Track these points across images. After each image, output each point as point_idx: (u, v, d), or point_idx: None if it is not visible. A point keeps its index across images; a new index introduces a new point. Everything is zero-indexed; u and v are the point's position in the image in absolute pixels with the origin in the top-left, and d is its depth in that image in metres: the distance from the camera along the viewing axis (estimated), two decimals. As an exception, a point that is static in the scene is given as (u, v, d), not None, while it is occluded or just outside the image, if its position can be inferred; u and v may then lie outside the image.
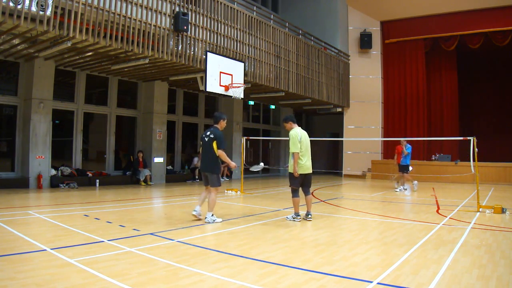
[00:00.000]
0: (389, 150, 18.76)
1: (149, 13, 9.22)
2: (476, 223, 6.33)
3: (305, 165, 6.45)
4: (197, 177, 14.34)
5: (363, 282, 3.40)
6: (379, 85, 18.77)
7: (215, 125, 6.37)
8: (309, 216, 6.57)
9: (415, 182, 12.01)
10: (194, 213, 6.30)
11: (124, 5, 8.69)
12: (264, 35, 12.93)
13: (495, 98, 18.90)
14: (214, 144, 6.13)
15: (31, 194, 9.33)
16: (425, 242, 4.93)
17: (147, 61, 9.66)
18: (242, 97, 11.39)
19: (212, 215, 6.19)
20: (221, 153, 6.16)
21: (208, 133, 6.28)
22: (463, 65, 18.81)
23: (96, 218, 6.22)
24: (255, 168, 9.85)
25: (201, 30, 10.57)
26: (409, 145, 11.72)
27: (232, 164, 6.47)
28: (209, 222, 6.08)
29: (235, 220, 6.54)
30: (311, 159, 6.67)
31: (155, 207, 8.43)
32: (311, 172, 6.60)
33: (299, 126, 6.68)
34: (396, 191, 11.72)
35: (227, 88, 10.72)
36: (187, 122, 15.63)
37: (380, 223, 6.54)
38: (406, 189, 11.86)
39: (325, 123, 22.49)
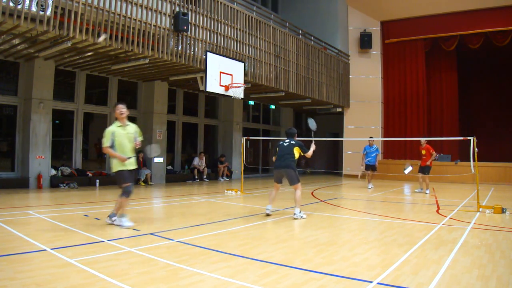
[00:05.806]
0: (389, 150, 18.78)
1: (149, 13, 9.22)
2: (476, 223, 6.33)
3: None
4: (196, 177, 14.33)
5: (363, 282, 3.40)
6: (379, 85, 18.75)
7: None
8: (113, 218, 5.68)
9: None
10: (267, 211, 6.93)
11: (124, 5, 8.69)
12: (264, 35, 12.92)
13: (495, 98, 18.88)
14: (296, 150, 6.86)
15: (31, 194, 9.33)
16: (425, 242, 4.93)
17: (147, 61, 9.66)
18: (242, 97, 11.39)
19: (300, 211, 6.68)
20: (310, 154, 6.97)
21: (288, 140, 7.07)
22: (463, 65, 18.78)
23: (96, 218, 6.23)
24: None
25: (201, 30, 10.56)
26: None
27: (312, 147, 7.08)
28: (297, 218, 6.58)
29: (235, 220, 6.54)
30: None
31: (155, 207, 8.43)
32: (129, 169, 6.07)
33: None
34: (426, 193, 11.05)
35: (227, 88, 10.72)
36: (187, 122, 15.62)
37: (380, 223, 6.54)
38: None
39: (325, 123, 22.40)
